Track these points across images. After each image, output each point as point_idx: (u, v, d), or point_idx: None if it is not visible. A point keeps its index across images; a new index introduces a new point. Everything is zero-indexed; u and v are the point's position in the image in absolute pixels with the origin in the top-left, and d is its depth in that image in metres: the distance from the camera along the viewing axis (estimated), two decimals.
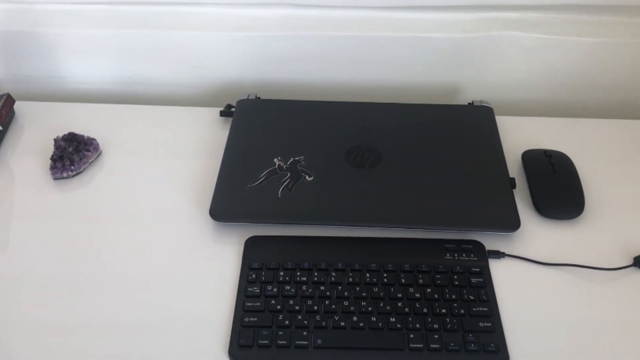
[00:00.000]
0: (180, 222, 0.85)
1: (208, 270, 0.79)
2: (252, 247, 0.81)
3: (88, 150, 0.93)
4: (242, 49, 1.05)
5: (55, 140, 0.95)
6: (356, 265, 0.78)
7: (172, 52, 1.06)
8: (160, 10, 1.02)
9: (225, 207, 0.84)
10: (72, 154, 0.92)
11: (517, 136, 0.97)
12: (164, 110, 1.04)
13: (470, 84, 1.08)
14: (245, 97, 1.03)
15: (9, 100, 1.01)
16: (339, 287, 0.76)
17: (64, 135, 0.95)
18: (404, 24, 1.02)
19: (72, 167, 0.91)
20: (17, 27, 1.03)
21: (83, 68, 1.08)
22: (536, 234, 0.83)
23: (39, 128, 1.00)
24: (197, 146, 0.97)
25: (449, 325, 0.71)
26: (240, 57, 1.06)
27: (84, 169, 0.93)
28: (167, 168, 0.93)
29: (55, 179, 0.91)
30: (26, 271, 0.79)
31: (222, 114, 1.02)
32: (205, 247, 0.82)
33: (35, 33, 1.04)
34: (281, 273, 0.77)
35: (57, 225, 0.85)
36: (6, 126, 0.99)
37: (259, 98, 1.03)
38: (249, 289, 0.75)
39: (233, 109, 1.02)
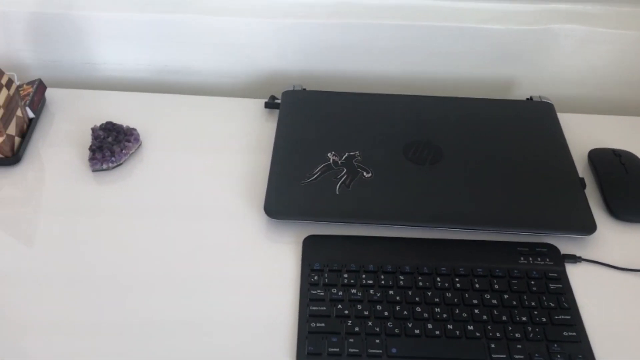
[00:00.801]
0: (231, 218, 0.80)
1: (265, 270, 0.74)
2: (311, 246, 0.75)
3: (128, 141, 0.88)
4: (286, 37, 1.00)
5: (93, 130, 0.89)
6: (425, 268, 0.72)
7: (213, 39, 1.00)
8: None
9: (281, 203, 0.78)
10: (112, 145, 0.86)
11: (580, 134, 0.92)
12: (204, 100, 0.99)
13: (526, 78, 1.03)
14: (291, 89, 0.97)
15: (41, 86, 0.95)
16: (409, 292, 0.70)
17: (102, 124, 0.90)
18: (459, 13, 0.97)
19: (113, 159, 0.85)
20: (51, 8, 0.97)
21: (117, 54, 1.02)
22: (611, 237, 0.78)
23: (71, 116, 0.94)
24: (242, 138, 0.92)
25: (532, 334, 0.66)
26: (284, 46, 1.01)
27: (124, 161, 0.87)
28: (212, 161, 0.88)
29: (94, 170, 0.85)
30: (66, 267, 0.74)
31: (267, 105, 0.96)
32: (260, 245, 0.77)
33: (69, 16, 0.98)
34: (345, 275, 0.72)
35: (97, 219, 0.79)
36: (38, 114, 0.93)
37: (304, 89, 0.97)
38: (313, 292, 0.70)
39: (276, 101, 0.96)
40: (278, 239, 0.78)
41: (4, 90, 0.84)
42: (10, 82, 0.86)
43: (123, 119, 0.94)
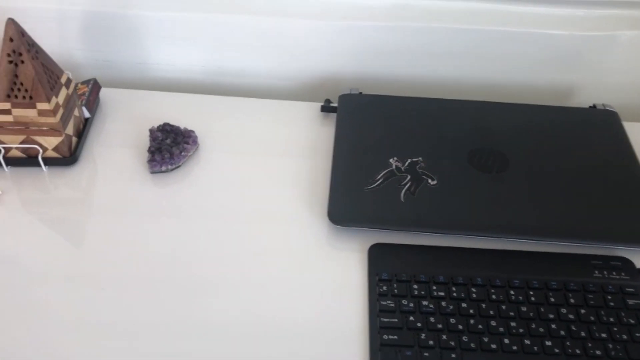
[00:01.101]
0: (291, 223, 0.78)
1: (329, 277, 0.72)
2: (378, 255, 0.74)
3: (187, 143, 0.86)
4: (342, 40, 0.98)
5: (151, 131, 0.87)
6: (497, 281, 0.70)
7: (268, 41, 0.98)
8: None
9: (344, 210, 0.77)
10: (170, 147, 0.85)
11: None
12: (259, 103, 0.97)
13: (586, 85, 1.00)
14: (348, 92, 0.95)
15: (96, 86, 0.94)
16: (483, 305, 0.68)
17: (160, 126, 0.88)
18: (522, 18, 0.95)
19: (172, 161, 0.84)
20: (106, 7, 0.96)
21: (171, 55, 1.01)
22: None
23: (125, 116, 0.93)
24: (299, 142, 0.90)
25: (613, 351, 0.64)
26: (339, 48, 0.99)
27: (182, 163, 0.85)
28: (269, 164, 0.86)
29: (152, 172, 0.84)
30: (124, 269, 0.73)
31: (323, 109, 0.95)
32: (323, 251, 0.75)
33: (124, 15, 0.97)
34: (415, 286, 0.70)
35: (155, 221, 0.78)
36: (93, 114, 0.91)
37: (361, 93, 0.95)
38: (382, 303, 0.68)
39: (332, 104, 0.95)
40: (342, 246, 0.76)
41: (64, 90, 0.83)
42: (69, 81, 0.85)
43: (178, 121, 0.92)
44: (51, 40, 0.99)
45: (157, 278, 0.72)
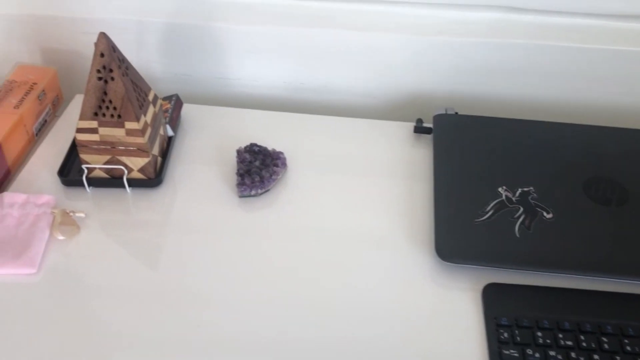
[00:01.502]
0: (391, 253, 0.73)
1: (439, 318, 0.66)
2: (494, 296, 0.67)
3: (276, 165, 0.81)
4: (435, 56, 0.92)
5: (239, 152, 0.82)
6: (630, 329, 0.63)
7: (355, 56, 0.93)
8: (348, 8, 0.90)
9: (454, 245, 0.70)
10: (260, 169, 0.79)
11: None
12: (347, 122, 0.91)
13: None
14: (443, 112, 0.89)
15: (179, 102, 0.90)
16: (617, 358, 0.61)
17: (247, 146, 0.83)
18: (633, 35, 0.87)
19: (262, 185, 0.78)
20: (188, 19, 0.91)
21: (253, 70, 0.96)
22: None
23: (207, 134, 0.88)
24: (392, 164, 0.84)
25: None
26: (432, 65, 0.93)
27: (272, 187, 0.80)
28: (362, 187, 0.81)
29: (241, 196, 0.79)
30: (213, 294, 0.67)
31: (416, 129, 0.89)
32: (429, 288, 0.69)
33: (206, 28, 0.92)
34: (539, 334, 0.63)
35: (243, 244, 0.73)
36: (176, 132, 0.87)
37: (457, 113, 0.89)
38: (505, 352, 0.62)
39: (426, 125, 0.88)
40: (451, 284, 0.70)
41: (151, 108, 0.78)
42: (155, 98, 0.80)
43: (262, 140, 0.87)
44: (129, 52, 0.95)
45: (247, 299, 0.66)
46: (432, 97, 0.96)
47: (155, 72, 0.97)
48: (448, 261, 0.70)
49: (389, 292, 0.69)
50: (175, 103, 0.88)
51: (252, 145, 0.83)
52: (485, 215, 0.74)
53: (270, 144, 0.87)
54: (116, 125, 0.74)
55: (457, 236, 0.71)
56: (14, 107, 0.83)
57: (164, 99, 0.89)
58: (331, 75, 0.95)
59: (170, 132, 0.85)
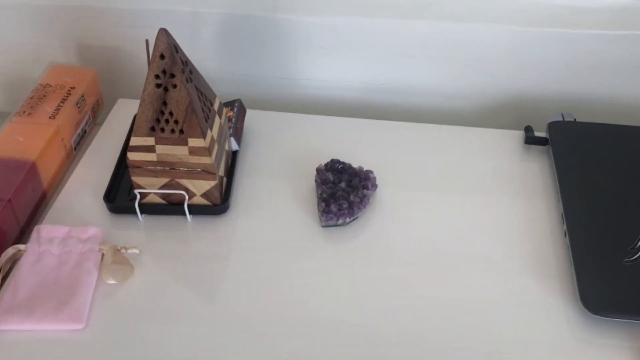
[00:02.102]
0: (515, 293, 0.59)
1: None
2: None
3: (366, 188, 0.67)
4: (544, 51, 0.78)
5: (319, 171, 0.68)
6: None
7: (447, 52, 0.78)
8: None
9: (604, 294, 0.56)
10: (347, 193, 0.65)
11: None
12: (441, 131, 0.77)
13: None
14: (559, 119, 0.74)
15: (242, 110, 0.76)
16: None
17: (328, 163, 0.69)
18: None
19: (351, 212, 0.64)
20: (249, 10, 0.77)
21: (325, 69, 0.82)
22: None
23: (275, 147, 0.75)
24: (500, 181, 0.71)
25: None
26: (539, 62, 0.78)
27: (362, 214, 0.66)
28: (469, 209, 0.68)
29: (325, 226, 0.65)
30: (300, 342, 0.53)
31: (528, 140, 0.74)
32: (572, 342, 0.55)
33: (271, 19, 0.78)
34: None
35: (329, 285, 0.60)
36: (240, 145, 0.72)
37: (575, 120, 0.74)
38: None
39: (537, 134, 0.74)
40: (600, 341, 0.56)
41: (217, 120, 0.64)
42: (221, 107, 0.66)
43: (340, 152, 0.73)
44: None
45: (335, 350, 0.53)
46: (538, 99, 0.81)
47: (210, 71, 0.83)
48: (598, 314, 0.55)
49: (512, 342, 0.55)
50: (239, 110, 0.74)
51: (334, 162, 0.69)
52: (637, 253, 0.59)
53: (351, 157, 0.72)
54: (177, 142, 0.60)
55: (605, 282, 0.57)
56: (50, 117, 0.70)
57: (225, 105, 0.75)
58: (417, 74, 0.81)
59: (235, 146, 0.71)
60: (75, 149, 0.74)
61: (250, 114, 0.78)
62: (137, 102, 0.78)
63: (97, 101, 0.79)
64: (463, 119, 0.83)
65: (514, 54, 0.78)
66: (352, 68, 0.81)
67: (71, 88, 0.74)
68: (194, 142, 0.60)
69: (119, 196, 0.67)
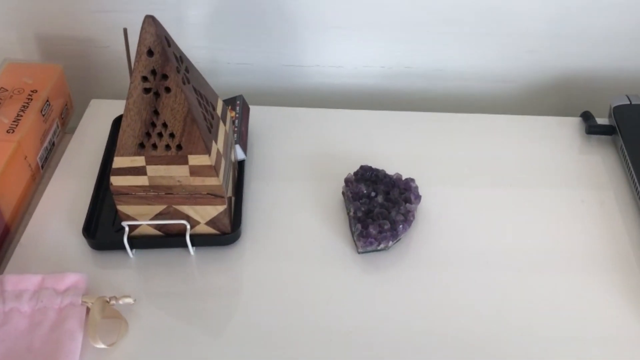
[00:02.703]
0: (600, 288, 0.49)
1: None
2: None
3: (408, 201, 0.54)
4: (601, 20, 0.64)
5: (348, 182, 0.55)
6: None
7: (486, 26, 0.65)
8: None
9: None
10: (387, 210, 0.53)
11: None
12: (476, 120, 0.65)
13: None
14: (625, 102, 0.62)
15: (245, 108, 0.62)
16: None
17: (358, 172, 0.56)
18: None
19: (394, 233, 0.52)
20: None
21: (338, 52, 0.69)
22: None
23: (286, 151, 0.62)
24: (560, 175, 0.61)
25: None
26: (596, 34, 0.66)
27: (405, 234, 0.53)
28: (532, 207, 0.55)
29: (362, 252, 0.52)
30: None
31: (590, 130, 0.62)
32: None
33: None
34: None
35: (371, 325, 0.48)
36: (247, 151, 0.59)
37: None
38: None
39: (594, 121, 0.62)
40: None
41: (221, 127, 0.51)
42: (225, 110, 0.53)
43: (367, 154, 0.61)
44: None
45: None
46: (592, 79, 0.69)
47: (200, 61, 0.69)
48: None
49: (601, 342, 0.43)
50: (242, 110, 0.61)
51: (365, 169, 0.56)
52: None
53: (378, 158, 0.60)
54: (175, 160, 0.47)
55: None
56: (8, 131, 0.56)
57: (225, 101, 0.61)
58: (449, 54, 0.68)
59: (241, 155, 0.58)
60: (42, 167, 0.60)
61: (252, 112, 0.65)
62: (114, 102, 0.65)
63: (66, 105, 0.65)
64: (504, 106, 0.71)
65: (562, 25, 0.65)
66: (372, 50, 0.68)
67: (33, 91, 0.60)
68: (196, 159, 0.47)
69: (103, 227, 0.54)
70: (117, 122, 0.62)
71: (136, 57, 0.44)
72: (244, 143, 0.59)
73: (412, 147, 0.62)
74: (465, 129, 0.64)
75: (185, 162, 0.47)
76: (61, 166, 0.60)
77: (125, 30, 0.50)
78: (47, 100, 0.60)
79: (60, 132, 0.64)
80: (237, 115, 0.60)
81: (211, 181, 0.48)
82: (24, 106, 0.58)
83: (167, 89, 0.45)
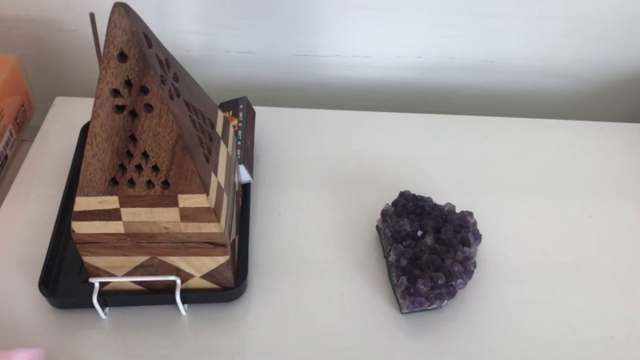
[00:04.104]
0: None
1: None
2: None
3: (465, 243, 0.41)
4: None
5: (386, 216, 0.43)
6: None
7: (548, 9, 0.52)
8: None
9: None
10: (439, 255, 0.40)
11: None
12: (537, 126, 0.52)
13: None
14: None
15: (250, 113, 0.49)
16: None
17: (397, 202, 0.43)
18: None
19: (451, 289, 0.39)
20: None
21: (364, 40, 0.55)
22: None
23: (297, 164, 0.50)
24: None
25: None
26: None
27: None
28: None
29: (407, 313, 0.39)
30: None
31: None
32: None
33: None
34: None
35: None
36: (253, 170, 0.46)
37: None
38: None
39: None
40: None
41: (222, 149, 0.38)
42: (226, 124, 0.40)
43: (396, 171, 0.48)
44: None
45: None
46: None
47: (192, 49, 0.55)
48: None
49: None
50: (247, 116, 0.47)
51: (407, 198, 0.43)
52: None
53: (418, 177, 0.47)
54: (160, 202, 0.34)
55: None
56: None
57: (222, 107, 0.48)
58: (503, 43, 0.54)
59: (246, 177, 0.45)
60: None
61: (257, 115, 0.52)
62: (84, 100, 0.52)
63: (23, 105, 0.51)
64: (570, 106, 0.58)
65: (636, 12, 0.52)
66: (406, 36, 0.54)
67: None
68: (188, 200, 0.34)
69: (67, 275, 0.41)
70: (86, 130, 0.49)
71: (103, 60, 0.30)
72: (249, 162, 0.45)
73: (458, 163, 0.50)
74: (525, 138, 0.52)
75: (174, 203, 0.34)
76: (15, 187, 0.47)
77: (92, 16, 0.37)
78: None
79: (15, 141, 0.51)
80: (240, 123, 0.47)
81: (210, 227, 0.35)
82: None
83: (149, 107, 0.31)
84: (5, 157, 0.49)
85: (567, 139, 0.52)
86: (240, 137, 0.46)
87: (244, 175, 0.45)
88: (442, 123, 0.53)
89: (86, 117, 0.50)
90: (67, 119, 0.52)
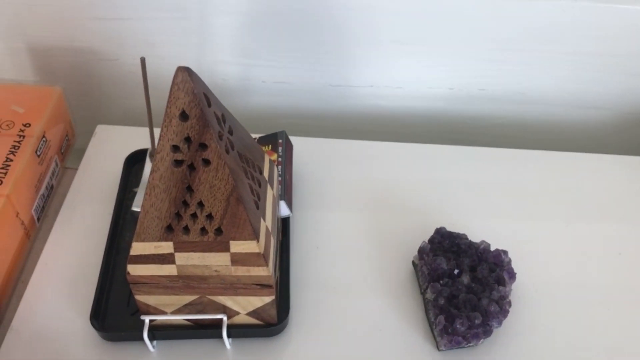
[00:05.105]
0: None
1: None
2: None
3: (500, 282, 0.43)
4: None
5: (423, 254, 0.44)
6: None
7: (580, 43, 0.53)
8: None
9: None
10: (475, 294, 0.41)
11: None
12: (568, 160, 0.53)
13: None
14: None
15: (289, 147, 0.50)
16: None
17: (434, 239, 0.45)
18: None
19: (487, 328, 0.40)
20: None
21: (398, 71, 0.56)
22: None
23: (333, 197, 0.51)
24: None
25: None
26: None
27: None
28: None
29: (444, 349, 0.41)
30: None
31: None
32: None
33: (320, 2, 0.51)
34: None
35: None
36: (290, 202, 0.47)
37: None
38: None
39: None
40: None
41: (269, 192, 0.39)
42: (272, 168, 0.41)
43: (431, 207, 0.49)
44: (178, 46, 0.54)
45: None
46: None
47: (229, 79, 0.57)
48: None
49: None
50: (286, 151, 0.49)
51: (443, 235, 0.45)
52: None
53: (454, 215, 0.49)
54: (212, 247, 0.35)
55: None
56: None
57: (261, 141, 0.49)
58: (533, 75, 0.56)
59: (285, 212, 0.46)
60: (38, 219, 0.48)
61: (293, 143, 0.53)
62: (125, 129, 0.53)
63: (67, 135, 0.53)
64: (598, 137, 0.59)
65: None
66: (438, 68, 0.56)
67: (25, 125, 0.48)
68: (240, 246, 0.35)
69: (115, 310, 0.42)
70: (130, 160, 0.51)
71: (165, 119, 0.32)
72: (289, 196, 0.47)
73: (489, 197, 0.51)
74: (555, 171, 0.52)
75: (225, 249, 0.36)
76: (62, 217, 0.49)
77: (142, 60, 0.38)
78: (44, 136, 0.48)
79: (60, 170, 0.52)
80: (279, 158, 0.48)
81: (259, 271, 0.37)
82: (14, 147, 0.47)
83: (206, 162, 0.33)
84: (52, 187, 0.51)
85: (597, 171, 0.53)
86: (280, 172, 0.47)
87: (283, 210, 0.46)
88: (478, 156, 0.55)
89: (127, 145, 0.52)
90: (108, 147, 0.54)
